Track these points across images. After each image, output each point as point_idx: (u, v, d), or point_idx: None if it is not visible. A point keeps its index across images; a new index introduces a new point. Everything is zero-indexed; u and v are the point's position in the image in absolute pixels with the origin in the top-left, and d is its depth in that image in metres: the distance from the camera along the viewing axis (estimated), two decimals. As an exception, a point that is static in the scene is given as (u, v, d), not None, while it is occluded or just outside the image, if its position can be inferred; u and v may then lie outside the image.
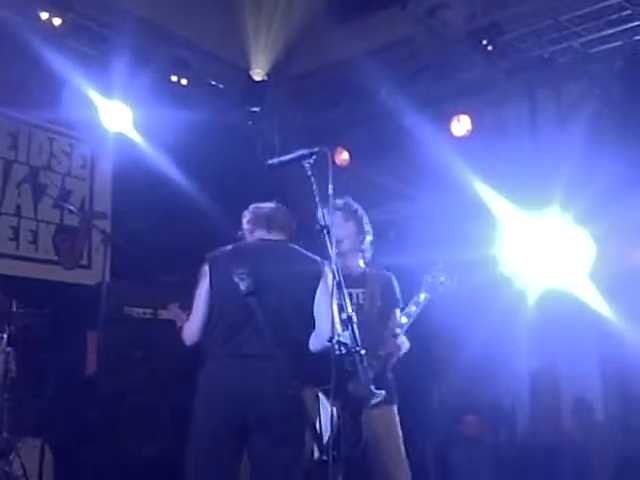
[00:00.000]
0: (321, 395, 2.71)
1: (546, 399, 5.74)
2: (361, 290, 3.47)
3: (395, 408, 3.24)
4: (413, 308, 3.33)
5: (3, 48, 4.65)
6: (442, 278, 3.39)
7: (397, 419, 3.22)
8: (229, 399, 2.56)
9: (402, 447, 3.18)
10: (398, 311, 3.43)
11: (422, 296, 3.34)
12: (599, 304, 4.59)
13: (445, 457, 4.02)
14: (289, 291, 2.68)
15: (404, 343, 3.31)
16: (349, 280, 3.13)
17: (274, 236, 2.82)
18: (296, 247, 2.82)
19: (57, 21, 4.54)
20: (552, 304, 4.76)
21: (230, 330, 2.66)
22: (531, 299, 4.76)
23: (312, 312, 2.69)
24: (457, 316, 4.88)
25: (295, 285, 2.69)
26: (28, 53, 4.54)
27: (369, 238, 3.45)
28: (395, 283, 3.49)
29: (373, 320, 3.40)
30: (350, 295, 3.65)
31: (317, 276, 2.70)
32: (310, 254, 2.78)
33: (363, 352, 2.55)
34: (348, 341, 2.56)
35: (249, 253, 2.79)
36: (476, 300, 4.87)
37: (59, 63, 4.53)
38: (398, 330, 3.32)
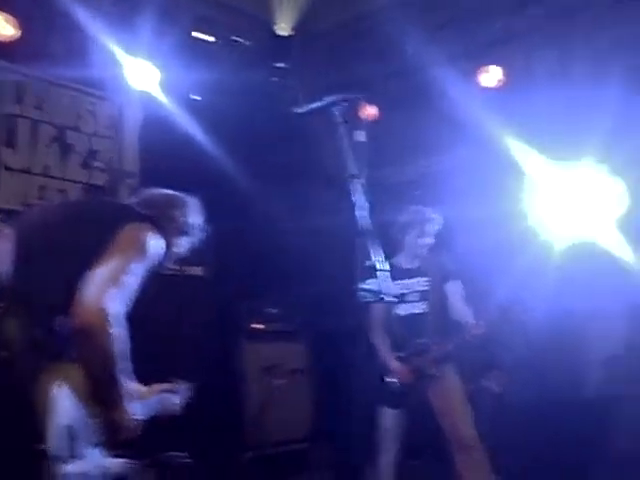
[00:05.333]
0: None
1: (570, 353, 5.72)
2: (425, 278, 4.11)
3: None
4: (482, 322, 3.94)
5: (26, 7, 4.65)
6: (506, 305, 3.92)
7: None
8: None
9: None
10: (458, 283, 4.15)
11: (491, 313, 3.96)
12: (628, 255, 4.53)
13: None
14: None
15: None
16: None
17: None
18: None
19: (81, -21, 4.52)
20: (580, 255, 4.70)
21: None
22: (558, 251, 4.71)
23: None
24: (483, 270, 4.87)
25: None
26: (52, 12, 4.54)
27: None
28: (450, 261, 4.17)
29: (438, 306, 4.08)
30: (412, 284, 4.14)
31: None
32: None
33: (391, 299, 2.58)
34: (374, 288, 2.57)
35: None
36: (504, 253, 4.86)
37: (84, 21, 4.53)
38: (482, 322, 3.93)
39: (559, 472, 4.88)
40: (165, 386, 2.63)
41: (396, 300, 2.56)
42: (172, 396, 2.62)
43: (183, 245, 2.55)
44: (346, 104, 2.51)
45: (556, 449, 5.07)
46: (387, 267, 3.96)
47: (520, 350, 5.84)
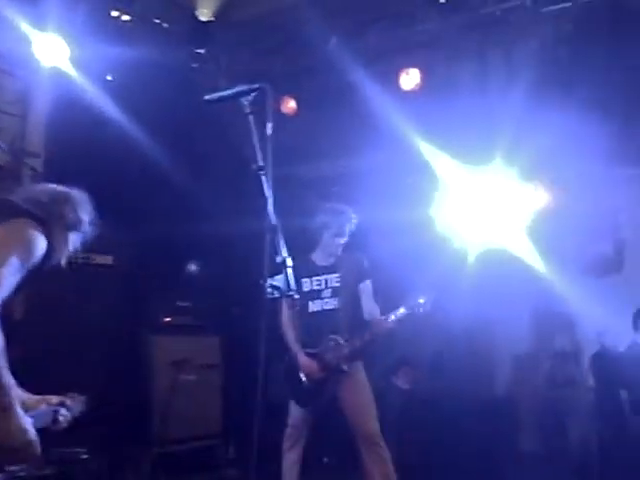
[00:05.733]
0: None
1: (479, 353, 5.94)
2: (336, 275, 4.13)
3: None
4: (392, 317, 3.97)
5: None
6: (421, 300, 3.96)
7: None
8: None
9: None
10: (369, 282, 4.15)
11: (401, 310, 3.96)
12: (535, 261, 4.74)
13: (379, 408, 4.11)
14: None
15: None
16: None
17: None
18: None
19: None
20: (490, 262, 4.88)
21: None
22: (470, 258, 4.86)
23: None
24: (399, 275, 4.96)
25: None
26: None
27: None
28: (364, 261, 4.16)
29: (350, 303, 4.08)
30: (326, 281, 4.16)
31: None
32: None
33: (297, 297, 2.55)
34: (282, 285, 2.53)
35: None
36: (417, 260, 4.97)
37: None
38: (392, 317, 3.96)
39: (466, 468, 5.04)
40: (56, 399, 2.49)
41: (298, 297, 2.50)
42: (62, 410, 2.47)
43: (73, 241, 2.43)
44: (254, 94, 2.44)
45: (463, 445, 5.23)
46: (305, 263, 4.02)
47: (430, 349, 6.00)
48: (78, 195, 2.46)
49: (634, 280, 5.37)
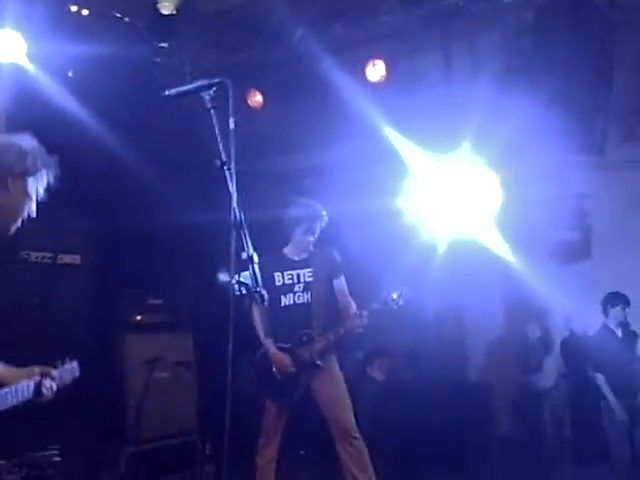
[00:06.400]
0: None
1: (451, 342, 6.00)
2: (308, 269, 4.12)
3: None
4: (366, 313, 4.01)
5: None
6: (395, 295, 4.00)
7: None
8: None
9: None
10: (343, 278, 4.17)
11: (375, 306, 4.02)
12: (503, 250, 4.80)
13: (354, 400, 4.12)
14: None
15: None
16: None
17: None
18: None
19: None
20: (459, 251, 4.92)
21: None
22: (439, 248, 4.90)
23: None
24: (370, 265, 4.97)
25: None
26: None
27: None
28: (337, 256, 4.17)
29: (323, 298, 4.09)
30: (298, 275, 4.14)
31: None
32: None
33: (264, 293, 2.53)
34: (249, 281, 2.51)
35: None
36: (387, 250, 4.99)
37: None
38: (365, 312, 4.01)
39: (442, 455, 5.10)
40: (42, 369, 2.42)
41: (265, 293, 2.49)
42: (45, 381, 2.40)
43: (33, 189, 2.27)
44: (214, 89, 2.40)
45: (439, 433, 5.29)
46: (278, 257, 4.00)
47: (404, 339, 6.04)
48: (21, 139, 2.29)
49: (601, 266, 5.47)
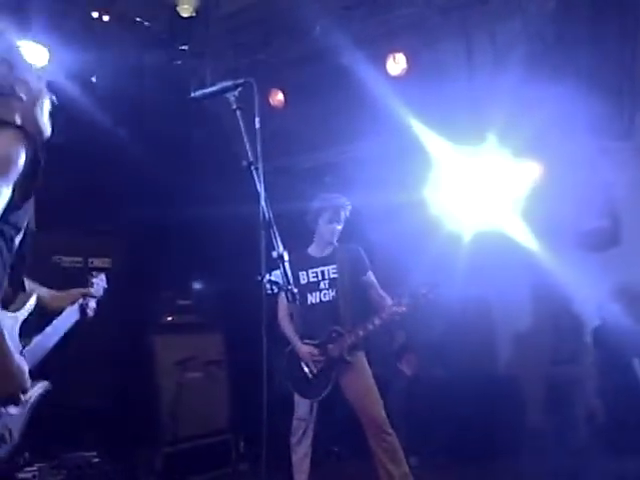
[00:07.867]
0: None
1: (479, 335, 5.95)
2: (333, 266, 4.13)
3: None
4: (400, 304, 3.97)
5: None
6: (423, 291, 3.96)
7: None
8: None
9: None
10: (371, 273, 4.16)
11: (406, 300, 3.97)
12: (530, 240, 4.74)
13: (384, 397, 4.12)
14: None
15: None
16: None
17: None
18: None
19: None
20: (486, 242, 4.88)
21: None
22: (465, 239, 4.86)
23: None
24: (396, 259, 4.96)
25: None
26: None
27: None
28: (362, 252, 4.17)
29: (349, 293, 4.09)
30: (323, 272, 4.15)
31: None
32: None
33: (295, 291, 2.55)
34: (280, 280, 2.53)
35: None
36: (413, 243, 4.96)
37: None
38: (405, 300, 3.97)
39: (473, 449, 5.07)
40: (82, 291, 2.63)
41: (297, 291, 2.51)
42: (90, 301, 2.62)
43: (46, 106, 2.06)
44: (239, 89, 2.42)
45: (470, 427, 5.26)
46: (302, 256, 4.01)
47: (431, 333, 6.01)
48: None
49: (631, 253, 5.37)
